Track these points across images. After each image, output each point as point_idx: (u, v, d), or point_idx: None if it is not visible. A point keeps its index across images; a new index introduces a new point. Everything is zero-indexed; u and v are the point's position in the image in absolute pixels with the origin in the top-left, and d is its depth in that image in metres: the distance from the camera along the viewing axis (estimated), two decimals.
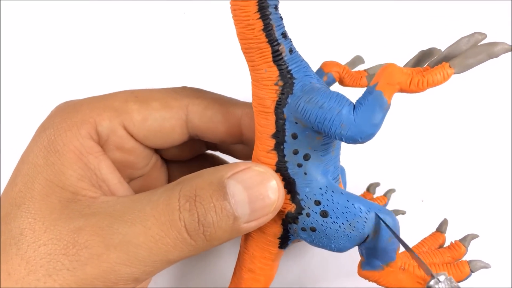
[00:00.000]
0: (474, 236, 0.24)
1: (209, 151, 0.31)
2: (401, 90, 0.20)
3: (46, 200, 0.22)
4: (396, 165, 0.35)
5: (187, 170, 0.28)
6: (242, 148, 0.28)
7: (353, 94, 0.22)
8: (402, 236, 0.22)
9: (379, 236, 0.22)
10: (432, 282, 0.21)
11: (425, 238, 0.25)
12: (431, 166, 0.35)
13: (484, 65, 0.36)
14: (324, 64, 0.25)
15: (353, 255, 0.35)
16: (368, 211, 0.22)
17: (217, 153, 0.31)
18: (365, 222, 0.21)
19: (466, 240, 0.24)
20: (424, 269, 0.22)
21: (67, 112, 0.24)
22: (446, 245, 0.25)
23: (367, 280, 0.24)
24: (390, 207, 0.31)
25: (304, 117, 0.21)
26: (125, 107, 0.24)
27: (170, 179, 0.29)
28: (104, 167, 0.24)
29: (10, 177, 0.23)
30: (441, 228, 0.26)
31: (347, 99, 0.20)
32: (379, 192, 0.32)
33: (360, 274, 0.24)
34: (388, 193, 0.31)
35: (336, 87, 0.24)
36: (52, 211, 0.21)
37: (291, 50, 0.21)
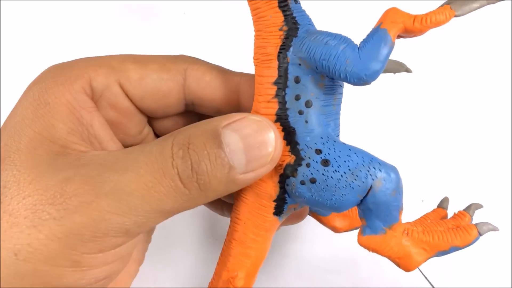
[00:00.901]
0: (478, 206, 0.23)
1: None
2: (405, 29, 0.20)
3: (33, 153, 0.20)
4: (396, 165, 0.34)
5: None
6: None
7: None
8: None
9: (382, 188, 0.20)
10: None
11: (426, 214, 0.24)
12: (431, 166, 0.35)
13: (484, 65, 0.37)
14: None
15: (353, 255, 0.34)
16: (371, 161, 0.21)
17: None
18: (368, 171, 0.20)
19: (470, 209, 0.23)
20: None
21: (60, 68, 0.23)
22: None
23: (367, 251, 0.22)
24: None
25: (308, 55, 0.20)
26: (122, 65, 0.24)
27: None
28: (97, 123, 0.23)
29: None
30: (443, 204, 0.25)
31: (352, 40, 0.20)
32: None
33: (360, 242, 0.22)
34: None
35: None
36: (39, 164, 0.20)
37: (296, 0, 0.22)
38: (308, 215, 0.28)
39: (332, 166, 0.21)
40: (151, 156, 0.20)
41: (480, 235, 0.21)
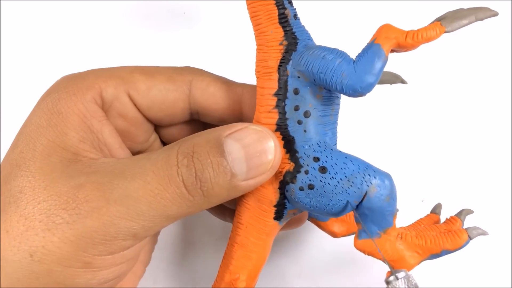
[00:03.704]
0: (469, 212, 0.24)
1: None
2: (398, 45, 0.21)
3: (47, 160, 0.22)
4: (396, 165, 0.35)
5: None
6: None
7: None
8: None
9: (376, 194, 0.22)
10: (391, 278, 0.21)
11: (420, 219, 0.25)
12: (431, 166, 0.36)
13: (484, 65, 0.38)
14: None
15: (353, 255, 0.34)
16: (366, 168, 0.22)
17: None
18: (363, 178, 0.22)
19: (461, 214, 0.24)
20: (385, 263, 0.22)
21: (72, 79, 0.25)
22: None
23: (363, 254, 0.23)
24: None
25: (307, 68, 0.22)
26: (131, 77, 0.25)
27: None
28: (107, 131, 0.24)
29: (13, 141, 0.23)
30: (436, 210, 0.26)
31: (348, 54, 0.22)
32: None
33: (356, 246, 0.23)
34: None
35: None
36: (52, 170, 0.21)
37: (295, 16, 0.23)
38: (307, 220, 0.29)
39: (329, 173, 0.22)
40: (157, 164, 0.21)
41: (470, 239, 0.22)
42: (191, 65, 0.28)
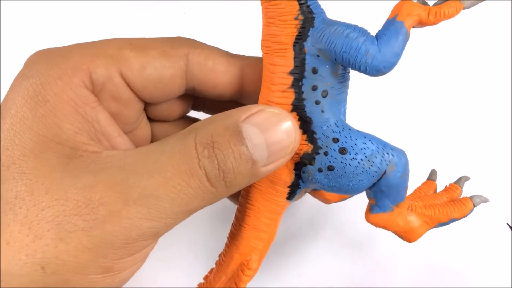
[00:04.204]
0: (466, 178, 0.26)
1: (191, 115, 0.29)
2: (420, 22, 0.21)
3: (41, 158, 0.19)
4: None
5: (171, 131, 0.27)
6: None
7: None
8: None
9: (394, 172, 0.22)
10: None
11: (418, 187, 0.26)
12: (431, 166, 0.36)
13: (484, 66, 0.39)
14: None
15: (353, 255, 0.35)
16: (384, 147, 0.22)
17: (201, 116, 0.30)
18: (382, 157, 0.22)
19: (460, 182, 0.25)
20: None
21: (52, 59, 0.21)
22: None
23: (374, 226, 0.24)
24: None
25: (329, 47, 0.21)
26: (121, 54, 0.23)
27: (153, 139, 0.27)
28: (102, 118, 0.22)
29: None
30: (431, 177, 0.27)
31: (369, 32, 0.21)
32: None
33: (368, 220, 0.24)
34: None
35: None
36: (51, 170, 0.19)
37: None
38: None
39: (350, 154, 0.22)
40: (174, 157, 0.19)
41: (475, 206, 0.24)
42: None
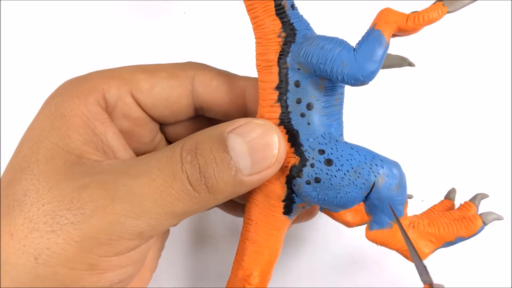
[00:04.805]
0: (484, 196, 0.23)
1: None
2: (399, 29, 0.20)
3: (50, 163, 0.22)
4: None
5: None
6: None
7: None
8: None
9: (385, 184, 0.21)
10: None
11: (434, 205, 0.25)
12: (431, 166, 0.35)
13: (484, 67, 0.37)
14: None
15: (353, 255, 0.34)
16: (373, 158, 0.21)
17: None
18: (370, 168, 0.21)
19: (476, 199, 0.23)
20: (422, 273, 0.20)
21: (75, 82, 0.25)
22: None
23: (375, 244, 0.23)
24: None
25: (306, 60, 0.21)
26: (133, 76, 0.25)
27: None
28: (110, 133, 0.24)
29: (16, 146, 0.24)
30: (450, 195, 0.25)
31: (347, 42, 0.21)
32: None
33: (368, 237, 0.23)
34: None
35: None
36: (56, 173, 0.21)
37: (293, 6, 0.22)
38: (307, 220, 0.29)
39: (335, 165, 0.21)
40: (162, 161, 0.21)
41: (485, 224, 0.21)
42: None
